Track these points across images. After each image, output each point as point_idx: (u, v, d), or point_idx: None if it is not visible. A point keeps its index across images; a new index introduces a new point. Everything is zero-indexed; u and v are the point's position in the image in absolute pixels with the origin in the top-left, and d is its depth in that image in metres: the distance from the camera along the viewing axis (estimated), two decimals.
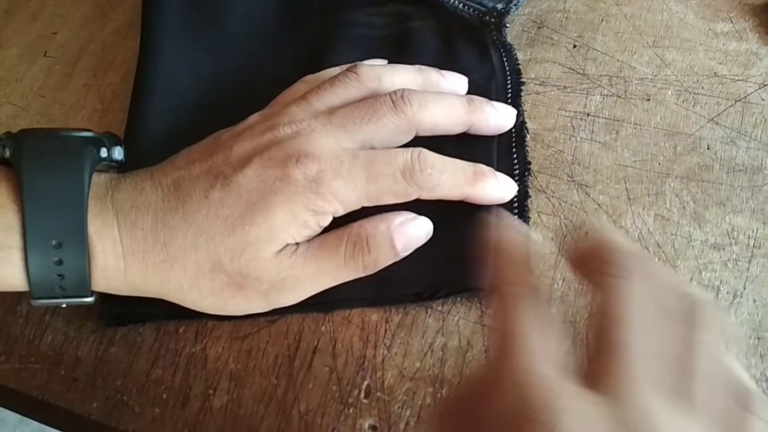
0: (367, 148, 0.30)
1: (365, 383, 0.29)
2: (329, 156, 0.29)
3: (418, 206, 0.30)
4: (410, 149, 0.30)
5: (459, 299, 0.31)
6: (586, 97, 0.36)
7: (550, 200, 0.33)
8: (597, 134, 0.35)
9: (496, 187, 0.31)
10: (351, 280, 0.30)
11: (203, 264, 0.28)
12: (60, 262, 0.27)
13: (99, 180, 0.28)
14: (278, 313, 0.31)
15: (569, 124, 0.35)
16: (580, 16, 0.39)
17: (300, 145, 0.29)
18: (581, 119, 0.36)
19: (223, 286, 0.28)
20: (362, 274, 0.30)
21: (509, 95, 0.36)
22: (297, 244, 0.29)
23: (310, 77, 0.35)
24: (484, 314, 0.30)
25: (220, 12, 0.39)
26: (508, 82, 0.36)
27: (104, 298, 0.30)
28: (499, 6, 0.38)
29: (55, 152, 0.28)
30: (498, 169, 0.32)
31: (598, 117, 0.36)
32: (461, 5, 0.38)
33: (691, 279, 0.31)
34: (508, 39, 0.38)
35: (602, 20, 0.39)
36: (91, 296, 0.28)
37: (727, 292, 0.30)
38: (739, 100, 0.36)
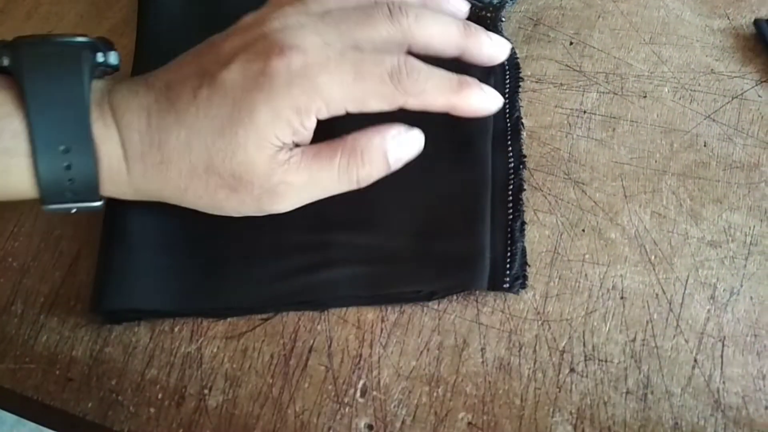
0: None
1: (361, 382, 0.29)
2: (316, 49, 0.28)
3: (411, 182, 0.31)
4: (397, 54, 0.29)
5: (455, 298, 0.31)
6: (583, 95, 0.36)
7: (546, 198, 0.33)
8: (593, 131, 0.35)
9: (481, 96, 0.30)
10: (346, 278, 0.30)
11: (197, 165, 0.28)
12: (69, 167, 0.27)
13: (95, 86, 0.28)
14: (273, 311, 0.31)
15: (566, 122, 0.35)
16: (576, 13, 0.39)
17: (286, 38, 0.28)
18: (578, 116, 0.35)
19: (216, 188, 0.28)
20: (354, 187, 0.29)
21: (507, 90, 0.36)
22: (290, 150, 0.28)
23: None
24: (480, 313, 0.30)
25: (219, 10, 0.39)
26: (507, 76, 0.36)
27: (99, 293, 0.30)
28: (495, 0, 0.37)
29: (55, 58, 0.28)
30: (493, 164, 0.32)
31: (595, 114, 0.36)
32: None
33: (688, 276, 0.30)
34: (505, 35, 0.38)
35: (599, 17, 0.39)
36: (100, 201, 0.29)
37: (724, 290, 0.30)
38: (736, 97, 0.36)
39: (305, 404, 0.29)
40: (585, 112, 0.36)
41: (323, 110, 0.28)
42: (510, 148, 0.34)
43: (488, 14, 0.36)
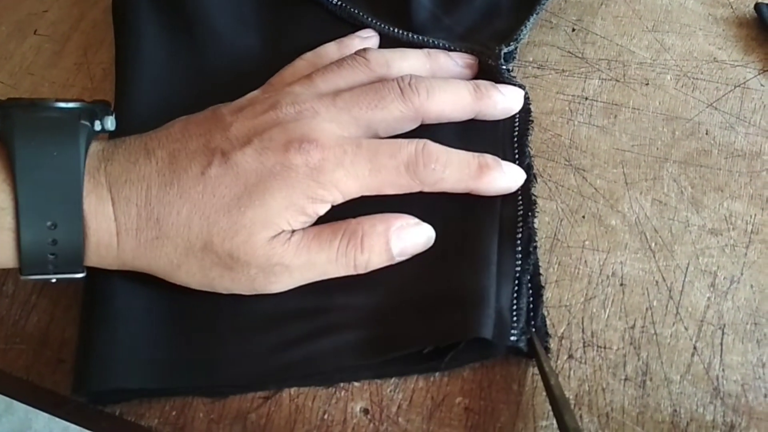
0: (371, 135, 0.30)
1: None
2: (332, 144, 0.28)
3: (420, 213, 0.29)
4: (414, 141, 0.29)
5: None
6: (585, 81, 0.36)
7: (546, 184, 0.33)
8: (595, 118, 0.35)
9: (501, 178, 0.30)
10: (350, 345, 0.28)
11: (194, 243, 0.27)
12: (54, 242, 0.26)
13: (91, 151, 0.27)
14: (274, 387, 0.28)
15: (567, 108, 0.35)
16: (579, 0, 0.39)
17: (302, 130, 0.28)
18: (579, 103, 0.35)
19: (212, 266, 0.27)
20: (352, 272, 0.29)
21: (516, 134, 0.33)
22: (292, 231, 0.28)
23: (308, 54, 0.34)
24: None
25: (204, 54, 0.37)
26: (516, 120, 0.34)
27: (82, 374, 0.27)
28: (505, 49, 0.35)
29: (49, 127, 0.26)
30: (501, 213, 0.31)
31: (597, 101, 0.35)
32: (467, 51, 0.35)
33: (688, 264, 0.30)
34: (516, 81, 0.35)
35: (602, 4, 0.39)
36: (82, 272, 0.27)
37: (724, 278, 0.30)
38: (739, 86, 0.35)
39: (300, 388, 0.28)
40: (587, 98, 0.35)
41: (339, 199, 0.28)
42: (520, 196, 0.31)
43: (493, 62, 0.34)
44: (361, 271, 0.29)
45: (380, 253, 0.29)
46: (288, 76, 0.32)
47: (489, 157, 0.30)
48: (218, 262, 0.27)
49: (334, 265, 0.28)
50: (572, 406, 0.27)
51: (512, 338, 0.27)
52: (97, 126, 0.28)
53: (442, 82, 0.32)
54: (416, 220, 0.30)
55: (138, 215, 0.27)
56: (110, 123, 0.29)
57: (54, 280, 0.28)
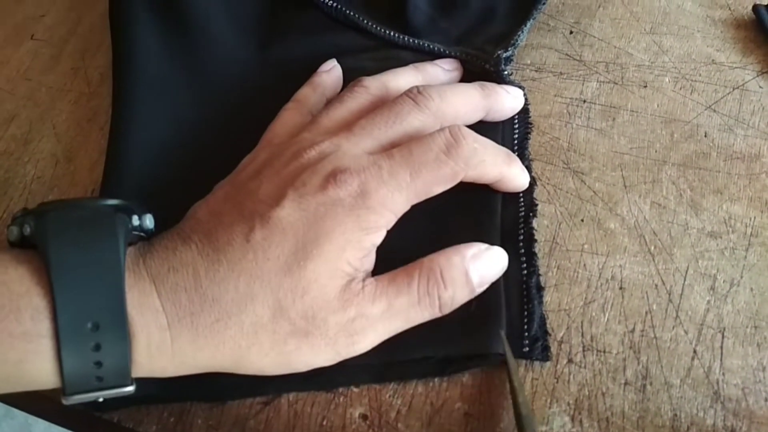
0: None
1: None
2: (366, 166, 0.27)
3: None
4: (443, 128, 0.28)
5: None
6: (583, 84, 0.36)
7: (545, 187, 0.33)
8: (593, 121, 0.35)
9: (523, 171, 0.31)
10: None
11: (262, 314, 0.25)
12: (98, 347, 0.23)
13: (128, 250, 0.25)
14: (274, 392, 0.28)
15: (565, 111, 0.35)
16: (577, 2, 0.39)
17: (332, 164, 0.27)
18: (577, 106, 0.35)
19: (286, 337, 0.25)
20: (438, 314, 0.27)
21: (516, 136, 0.33)
22: (363, 280, 0.26)
23: (288, 104, 0.32)
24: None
25: (201, 57, 0.37)
26: (516, 122, 0.34)
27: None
28: (504, 54, 0.34)
29: (84, 223, 0.25)
30: (502, 215, 0.31)
31: (595, 104, 0.35)
32: (463, 54, 0.35)
33: (688, 267, 0.30)
34: (515, 82, 0.35)
35: (599, 6, 0.39)
36: (131, 385, 0.24)
37: (724, 281, 0.30)
38: (737, 88, 0.35)
39: (299, 393, 0.28)
40: (585, 101, 0.35)
41: (392, 220, 0.27)
42: (521, 199, 0.31)
43: (491, 67, 0.34)
44: (447, 311, 0.27)
45: (462, 285, 0.27)
46: (279, 127, 0.31)
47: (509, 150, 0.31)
48: (292, 331, 0.25)
49: (417, 309, 0.27)
50: (571, 411, 0.27)
51: (525, 349, 0.28)
52: (135, 221, 0.26)
53: (448, 86, 0.32)
54: (486, 245, 0.28)
55: (190, 300, 0.25)
56: (149, 221, 0.27)
57: (101, 400, 0.25)
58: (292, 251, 0.25)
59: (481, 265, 0.28)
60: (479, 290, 0.28)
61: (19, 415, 0.91)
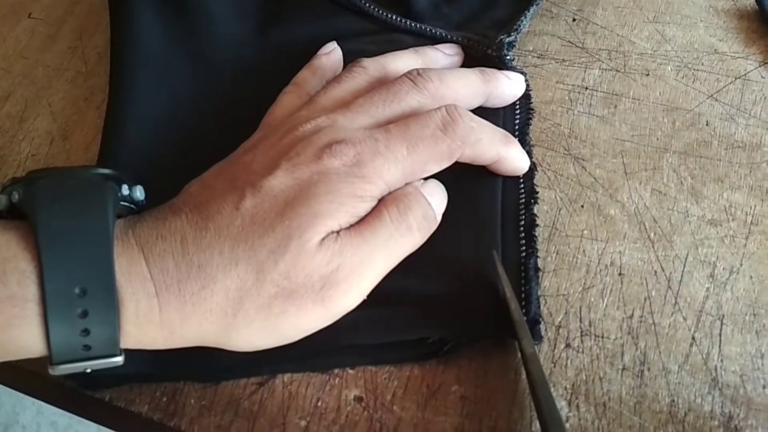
0: None
1: None
2: (362, 138, 0.27)
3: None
4: (440, 106, 0.28)
5: None
6: (585, 71, 0.36)
7: (546, 173, 0.32)
8: (595, 108, 0.34)
9: (522, 153, 0.31)
10: (348, 324, 0.26)
11: (246, 278, 0.24)
12: (85, 314, 0.23)
13: (117, 221, 0.25)
14: (269, 373, 0.28)
15: (567, 98, 0.35)
16: None
17: (328, 137, 0.27)
18: (579, 93, 0.35)
19: (271, 300, 0.25)
20: (416, 237, 0.27)
21: (517, 122, 0.33)
22: (337, 233, 0.26)
23: (288, 87, 0.32)
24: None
25: (201, 38, 0.36)
26: (517, 108, 0.33)
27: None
28: (506, 39, 0.34)
29: (74, 190, 0.24)
30: (503, 201, 0.31)
31: (597, 91, 0.35)
32: (465, 40, 0.35)
33: (688, 254, 0.30)
34: (516, 67, 0.35)
35: None
36: (120, 355, 0.24)
37: (723, 269, 0.29)
38: (739, 77, 0.35)
39: (294, 375, 0.28)
40: (587, 88, 0.35)
41: (385, 191, 0.27)
42: (522, 185, 0.31)
43: (494, 52, 0.34)
44: (424, 233, 0.27)
45: (426, 206, 0.27)
46: (279, 110, 0.31)
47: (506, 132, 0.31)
48: (276, 293, 0.25)
49: (396, 237, 0.26)
50: (568, 396, 0.27)
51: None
52: (125, 190, 0.26)
53: (448, 69, 0.31)
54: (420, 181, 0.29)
55: (177, 267, 0.24)
56: (139, 192, 0.27)
57: (88, 371, 0.24)
58: (279, 212, 0.25)
59: (430, 190, 0.28)
60: (437, 210, 0.28)
61: (7, 403, 0.90)
